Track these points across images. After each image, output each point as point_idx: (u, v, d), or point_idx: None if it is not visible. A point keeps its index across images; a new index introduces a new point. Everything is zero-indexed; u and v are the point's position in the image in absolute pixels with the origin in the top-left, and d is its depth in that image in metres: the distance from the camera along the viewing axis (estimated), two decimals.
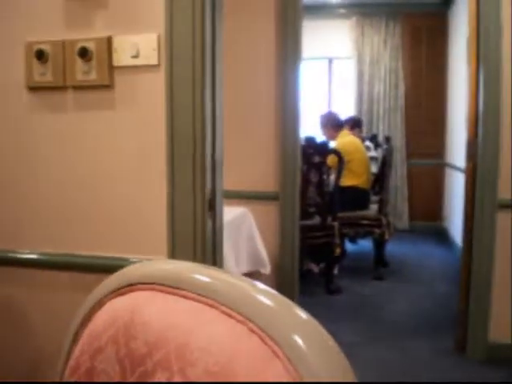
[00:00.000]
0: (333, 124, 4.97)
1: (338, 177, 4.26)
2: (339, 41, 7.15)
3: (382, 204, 4.78)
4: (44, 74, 1.64)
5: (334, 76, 7.37)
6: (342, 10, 7.11)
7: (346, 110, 6.67)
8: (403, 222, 6.95)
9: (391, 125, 6.99)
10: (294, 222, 3.26)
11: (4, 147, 1.71)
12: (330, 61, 7.33)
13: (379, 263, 4.79)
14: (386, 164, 4.90)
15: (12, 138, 1.70)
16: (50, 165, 1.68)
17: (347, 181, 4.57)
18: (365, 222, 4.71)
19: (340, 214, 4.31)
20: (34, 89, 1.66)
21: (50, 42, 1.63)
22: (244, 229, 2.95)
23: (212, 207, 1.65)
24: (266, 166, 3.24)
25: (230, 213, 2.68)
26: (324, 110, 5.63)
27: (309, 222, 4.08)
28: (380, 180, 4.98)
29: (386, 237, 4.72)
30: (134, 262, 1.52)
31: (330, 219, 4.21)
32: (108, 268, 1.60)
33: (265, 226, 3.16)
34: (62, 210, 1.68)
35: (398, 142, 6.89)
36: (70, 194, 1.67)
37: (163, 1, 1.56)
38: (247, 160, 3.25)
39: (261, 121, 3.23)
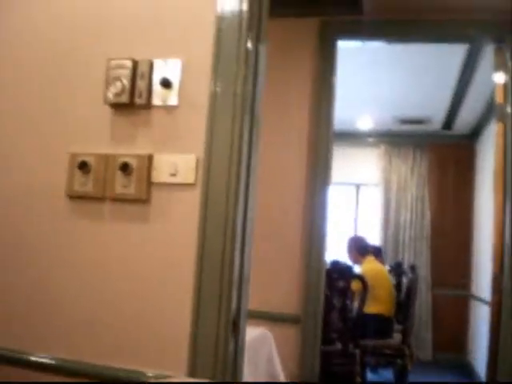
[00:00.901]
0: (358, 249, 4.98)
1: (362, 303, 4.20)
2: (367, 168, 7.32)
3: (406, 333, 4.67)
4: (85, 185, 1.70)
5: (361, 202, 7.46)
6: (371, 139, 7.33)
7: (371, 236, 6.69)
8: (426, 352, 6.73)
9: (416, 253, 6.96)
10: (315, 347, 3.18)
11: (42, 250, 1.75)
12: (358, 187, 7.47)
13: None
14: (410, 293, 4.84)
15: (50, 242, 1.75)
16: (83, 269, 1.70)
17: (371, 308, 4.50)
18: (387, 351, 4.58)
19: (362, 342, 4.21)
20: (74, 197, 1.73)
21: (93, 155, 1.71)
22: (264, 351, 2.89)
23: (236, 327, 1.63)
24: (289, 287, 3.22)
25: (251, 333, 2.64)
26: (350, 235, 5.66)
27: (330, 348, 3.98)
28: (404, 309, 4.90)
29: (409, 368, 4.57)
30: (151, 377, 1.50)
31: (351, 346, 4.10)
32: (123, 380, 1.59)
33: (284, 349, 3.09)
34: (87, 314, 1.68)
35: (423, 270, 6.83)
36: (97, 297, 1.68)
37: (204, 125, 1.64)
38: (270, 280, 3.24)
39: (286, 241, 3.25)
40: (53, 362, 1.69)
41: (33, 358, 1.71)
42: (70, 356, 1.68)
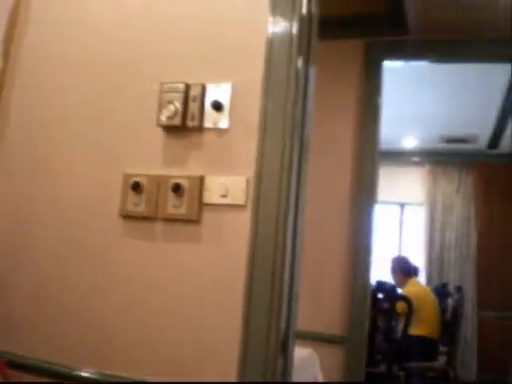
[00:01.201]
0: (402, 270, 4.93)
1: (407, 325, 4.15)
2: (411, 187, 7.25)
3: (451, 356, 4.58)
4: (138, 205, 1.75)
5: (405, 221, 7.38)
6: (416, 158, 7.26)
7: (415, 256, 6.60)
8: (471, 375, 6.57)
9: (462, 274, 6.84)
10: (360, 369, 3.16)
11: (95, 267, 1.80)
12: (402, 206, 7.39)
13: None
14: (457, 314, 4.76)
15: (103, 260, 1.79)
16: (133, 287, 1.74)
17: (416, 330, 4.43)
18: (431, 373, 4.51)
19: (407, 364, 4.15)
20: (126, 217, 1.77)
21: (146, 176, 1.75)
22: (309, 371, 2.87)
23: (285, 347, 1.64)
24: (334, 307, 3.21)
25: (297, 353, 2.63)
26: (394, 255, 5.60)
27: (374, 370, 3.93)
28: (450, 331, 4.81)
29: None
30: None
31: (396, 368, 4.04)
32: None
33: (328, 370, 3.07)
34: (135, 330, 1.71)
35: (469, 292, 6.70)
36: (147, 316, 1.71)
37: (254, 147, 1.67)
38: (314, 300, 3.24)
39: (331, 261, 3.24)
40: (102, 378, 1.72)
41: (84, 374, 1.74)
42: (128, 373, 1.71)
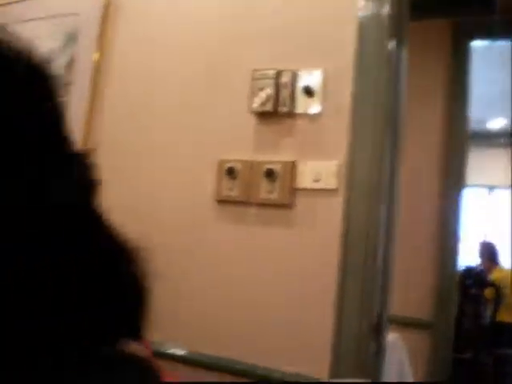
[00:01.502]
0: (489, 256, 4.80)
1: (495, 311, 4.05)
2: (500, 169, 7.00)
3: None
4: (231, 190, 1.79)
5: (494, 205, 7.15)
6: (503, 140, 7.00)
7: (503, 240, 6.39)
8: None
9: None
10: (447, 354, 3.11)
11: (191, 253, 1.86)
12: (490, 189, 7.16)
13: None
14: None
15: (198, 244, 1.85)
16: (227, 270, 1.79)
17: (504, 316, 4.31)
18: None
19: (496, 351, 4.05)
20: (221, 202, 1.82)
21: (240, 162, 1.79)
22: (395, 356, 2.86)
23: (378, 332, 1.65)
24: (421, 292, 3.17)
25: None
26: (482, 239, 5.45)
27: (461, 356, 3.86)
28: None
29: None
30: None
31: (483, 355, 3.95)
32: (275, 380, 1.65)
33: (414, 355, 3.04)
34: (232, 314, 1.77)
35: None
36: (239, 298, 1.76)
37: (346, 131, 1.67)
38: (401, 284, 3.20)
39: (419, 245, 3.20)
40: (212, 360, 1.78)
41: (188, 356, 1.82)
42: (227, 355, 1.76)
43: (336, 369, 1.61)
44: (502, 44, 4.32)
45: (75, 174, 0.43)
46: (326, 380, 1.59)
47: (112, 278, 0.43)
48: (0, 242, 0.37)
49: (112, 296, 0.43)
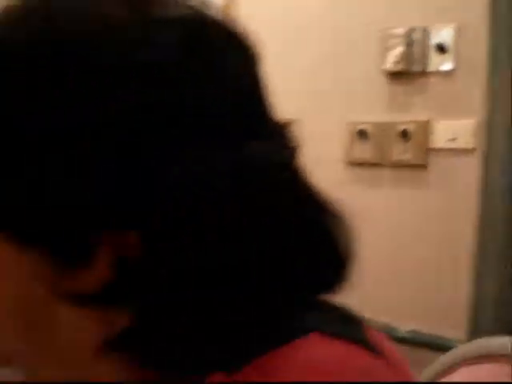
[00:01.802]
0: None
1: None
2: None
3: None
4: (363, 152, 1.81)
5: None
6: None
7: None
8: None
9: None
10: None
11: None
12: None
13: None
14: None
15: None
16: (362, 234, 1.82)
17: None
18: None
19: None
20: (353, 164, 1.84)
21: (371, 123, 1.79)
22: None
23: None
24: None
25: None
26: None
27: None
28: None
29: None
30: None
31: None
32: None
33: None
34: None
35: None
36: (373, 260, 1.79)
37: (482, 88, 1.62)
38: None
39: None
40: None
41: None
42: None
43: (474, 328, 1.61)
44: None
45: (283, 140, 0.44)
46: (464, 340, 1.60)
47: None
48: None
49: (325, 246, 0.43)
